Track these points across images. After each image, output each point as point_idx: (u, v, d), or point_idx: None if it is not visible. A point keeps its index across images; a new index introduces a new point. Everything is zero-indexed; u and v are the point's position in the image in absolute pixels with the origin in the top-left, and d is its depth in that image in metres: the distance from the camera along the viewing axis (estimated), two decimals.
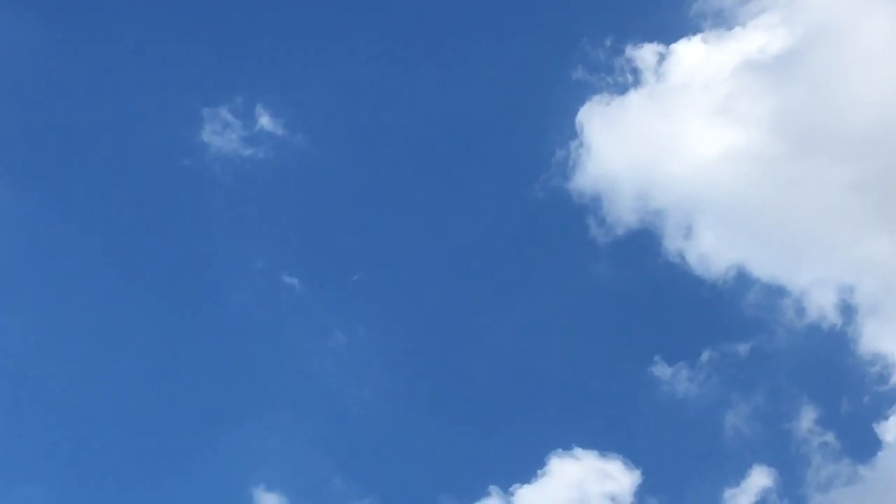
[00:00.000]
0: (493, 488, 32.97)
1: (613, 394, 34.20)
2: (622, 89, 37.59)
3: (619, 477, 32.84)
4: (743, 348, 34.31)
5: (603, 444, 33.18)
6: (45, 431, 33.56)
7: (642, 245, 35.59)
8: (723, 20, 38.07)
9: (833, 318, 34.16)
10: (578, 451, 33.22)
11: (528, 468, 33.16)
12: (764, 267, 34.95)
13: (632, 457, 32.96)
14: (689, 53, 38.05)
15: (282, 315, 35.22)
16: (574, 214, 36.07)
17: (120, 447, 33.58)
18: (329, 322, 35.09)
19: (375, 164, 37.29)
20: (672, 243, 35.39)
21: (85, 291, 35.49)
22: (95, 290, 35.49)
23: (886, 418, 32.86)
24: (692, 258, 35.08)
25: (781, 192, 35.71)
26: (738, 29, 38.01)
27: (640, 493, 32.74)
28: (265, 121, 37.20)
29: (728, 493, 32.67)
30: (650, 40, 37.83)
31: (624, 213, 35.88)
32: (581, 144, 36.85)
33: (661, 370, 34.04)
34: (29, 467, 33.13)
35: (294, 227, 36.58)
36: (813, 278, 34.47)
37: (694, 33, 38.05)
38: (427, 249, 36.38)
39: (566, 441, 33.28)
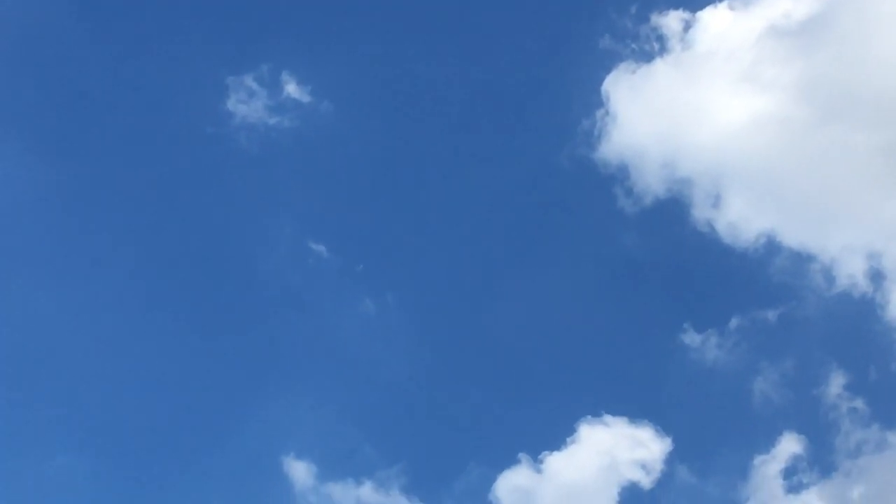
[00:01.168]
0: (522, 455, 32.99)
1: (643, 361, 34.14)
2: (648, 57, 37.50)
3: (649, 444, 32.84)
4: (772, 315, 34.22)
5: (633, 411, 33.24)
6: (77, 402, 33.67)
7: (671, 214, 35.52)
8: None
9: (862, 284, 34.08)
10: (608, 418, 33.23)
11: (557, 435, 33.21)
12: (792, 234, 34.86)
13: (662, 424, 32.98)
14: (715, 20, 37.91)
15: (310, 283, 35.24)
16: (601, 184, 35.92)
17: (151, 416, 33.61)
18: (358, 290, 35.01)
19: (402, 131, 37.12)
20: (701, 212, 35.27)
21: (113, 261, 35.47)
22: (124, 260, 35.50)
23: None
24: (721, 227, 34.95)
25: (809, 158, 35.55)
26: None
27: (671, 460, 32.74)
28: (291, 88, 37.16)
29: (758, 459, 32.68)
30: (676, 7, 37.77)
31: (651, 183, 35.75)
32: (607, 113, 36.70)
33: (691, 338, 33.99)
34: (63, 438, 33.20)
35: (321, 194, 36.47)
36: (842, 244, 34.35)
37: (720, 0, 37.83)
38: (455, 217, 36.29)
39: (595, 408, 33.35)
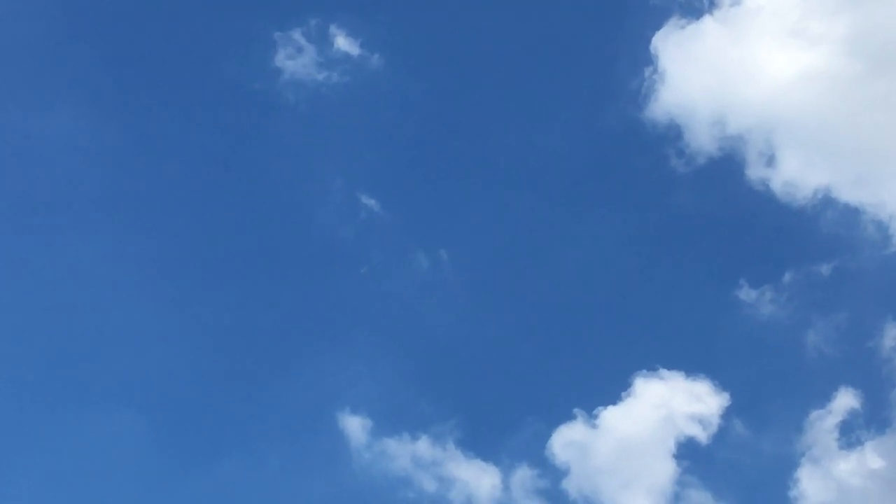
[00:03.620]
0: (577, 411, 32.90)
1: (698, 316, 34.13)
2: (697, 13, 37.20)
3: (706, 398, 32.75)
4: (825, 269, 34.15)
5: (689, 365, 33.12)
6: (136, 357, 33.60)
7: (724, 174, 35.35)
8: None
9: None
10: (664, 373, 33.12)
11: (612, 390, 33.09)
12: (845, 188, 34.74)
13: (718, 378, 32.89)
14: None
15: (362, 237, 35.11)
16: (653, 142, 35.76)
17: (206, 372, 33.58)
18: (411, 245, 34.95)
19: (452, 85, 36.89)
20: (755, 170, 35.14)
21: (167, 219, 35.45)
22: (177, 218, 35.49)
23: None
24: (776, 185, 34.83)
25: (859, 112, 35.38)
26: None
27: (728, 415, 32.65)
28: (341, 41, 36.84)
29: (814, 414, 32.61)
30: None
31: (703, 141, 35.55)
32: (655, 71, 36.49)
33: (746, 293, 33.92)
34: (121, 393, 33.21)
35: (371, 149, 36.29)
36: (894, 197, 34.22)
37: None
38: (507, 172, 36.11)
39: (651, 362, 33.24)
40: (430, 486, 32.20)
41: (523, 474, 32.27)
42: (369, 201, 35.22)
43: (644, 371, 33.04)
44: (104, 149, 35.78)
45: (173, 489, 32.14)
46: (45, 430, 32.49)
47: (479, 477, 32.22)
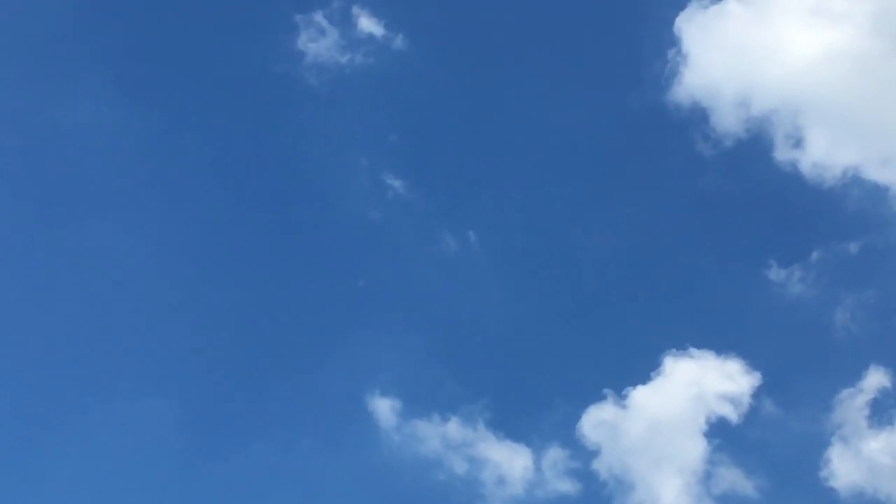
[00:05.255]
0: (607, 391, 32.81)
1: (727, 296, 34.00)
2: None
3: (736, 378, 32.68)
4: (854, 247, 34.06)
5: (719, 344, 33.01)
6: (164, 344, 33.53)
7: (752, 156, 35.31)
8: None
9: None
10: (694, 352, 33.03)
11: (642, 370, 32.98)
12: (872, 166, 34.69)
13: (749, 357, 32.77)
14: None
15: (389, 218, 35.02)
16: (678, 125, 35.73)
17: (235, 357, 33.43)
18: (438, 227, 34.85)
19: (477, 66, 36.80)
20: (782, 152, 35.07)
21: (193, 205, 35.39)
22: (203, 203, 35.44)
23: None
24: (804, 166, 34.82)
25: (884, 90, 35.37)
26: None
27: (758, 395, 32.57)
28: (364, 22, 36.66)
29: (845, 392, 32.49)
30: None
31: (729, 123, 35.48)
32: (679, 53, 36.41)
33: (776, 273, 33.88)
34: (149, 381, 33.12)
35: (396, 130, 36.21)
36: None
37: None
38: (533, 154, 36.04)
39: (681, 342, 33.10)
40: (460, 467, 32.11)
41: (555, 455, 32.20)
42: (395, 182, 35.10)
43: (674, 350, 32.98)
44: (128, 135, 35.76)
45: (203, 475, 32.15)
46: (74, 419, 32.43)
47: (510, 458, 32.14)
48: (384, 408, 32.65)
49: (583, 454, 32.20)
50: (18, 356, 33.07)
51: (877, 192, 34.35)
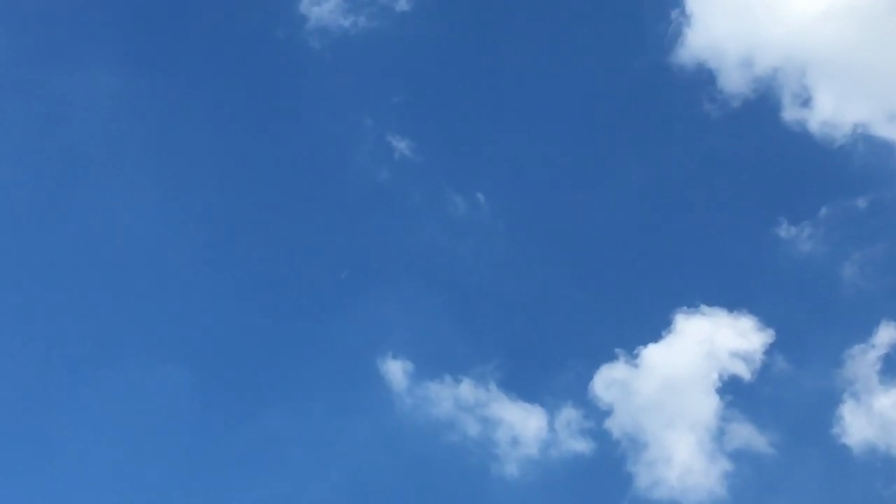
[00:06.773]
0: (618, 350, 32.78)
1: (737, 254, 33.93)
2: None
3: (748, 335, 32.67)
4: (862, 202, 34.07)
5: (730, 302, 32.98)
6: (177, 310, 33.39)
7: (759, 115, 35.22)
8: None
9: None
10: (706, 309, 33.00)
11: (653, 328, 32.94)
12: (879, 122, 34.70)
13: (761, 314, 32.75)
14: None
15: (397, 181, 34.84)
16: (685, 86, 35.66)
17: (246, 322, 33.22)
18: (447, 187, 34.69)
19: (481, 27, 36.65)
20: (790, 112, 35.03)
21: (201, 171, 35.17)
22: (210, 169, 35.20)
23: None
24: (812, 125, 34.78)
25: (888, 45, 35.28)
26: None
27: (771, 351, 32.58)
28: None
29: (856, 348, 32.48)
30: None
31: (736, 84, 35.37)
32: (683, 13, 36.27)
33: (786, 230, 33.86)
34: (164, 346, 32.88)
35: (401, 92, 36.01)
36: None
37: None
38: (539, 115, 35.92)
39: (692, 299, 33.06)
40: (473, 428, 32.02)
41: (568, 414, 32.14)
42: (401, 143, 34.89)
43: (685, 308, 32.95)
44: (135, 102, 35.60)
45: (218, 439, 31.99)
46: (89, 387, 32.16)
47: (524, 418, 32.06)
48: (396, 370, 32.56)
49: (596, 413, 32.17)
50: (34, 324, 32.96)
51: (884, 147, 34.30)
